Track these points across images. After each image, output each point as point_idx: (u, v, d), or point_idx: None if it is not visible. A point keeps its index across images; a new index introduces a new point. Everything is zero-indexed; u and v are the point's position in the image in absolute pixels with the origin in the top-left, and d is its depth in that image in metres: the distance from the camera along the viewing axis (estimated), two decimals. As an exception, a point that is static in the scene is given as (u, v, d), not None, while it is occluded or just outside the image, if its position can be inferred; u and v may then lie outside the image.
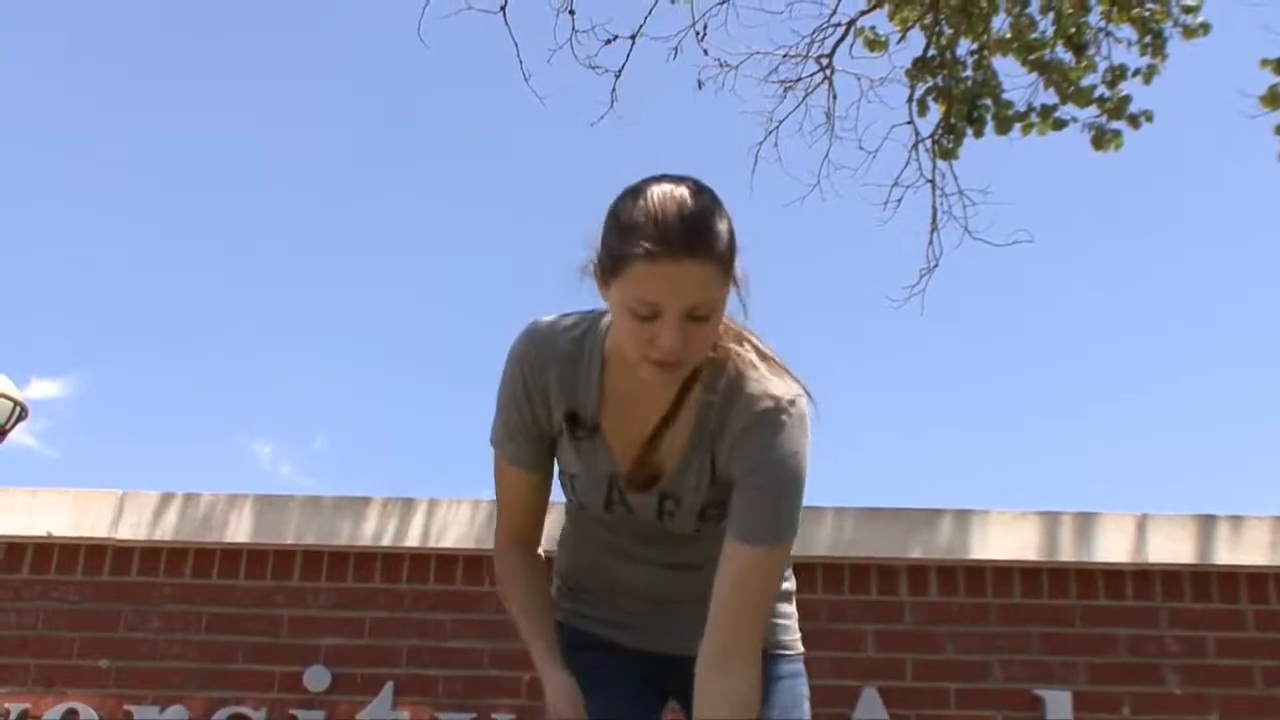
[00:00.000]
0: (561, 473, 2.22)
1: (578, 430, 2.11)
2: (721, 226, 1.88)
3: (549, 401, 2.12)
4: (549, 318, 2.14)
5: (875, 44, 8.33)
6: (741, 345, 2.07)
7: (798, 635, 2.40)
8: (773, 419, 2.02)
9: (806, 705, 2.36)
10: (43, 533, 4.62)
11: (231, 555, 4.64)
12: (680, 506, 2.13)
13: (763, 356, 2.08)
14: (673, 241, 1.82)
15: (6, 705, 4.44)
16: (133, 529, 4.62)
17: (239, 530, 4.62)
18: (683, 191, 1.87)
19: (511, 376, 2.13)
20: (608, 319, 2.08)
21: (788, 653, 2.36)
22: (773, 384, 2.04)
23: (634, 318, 1.88)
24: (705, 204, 1.88)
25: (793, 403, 2.03)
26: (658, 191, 1.87)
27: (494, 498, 2.31)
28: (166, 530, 4.62)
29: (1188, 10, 7.75)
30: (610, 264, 1.90)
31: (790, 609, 2.40)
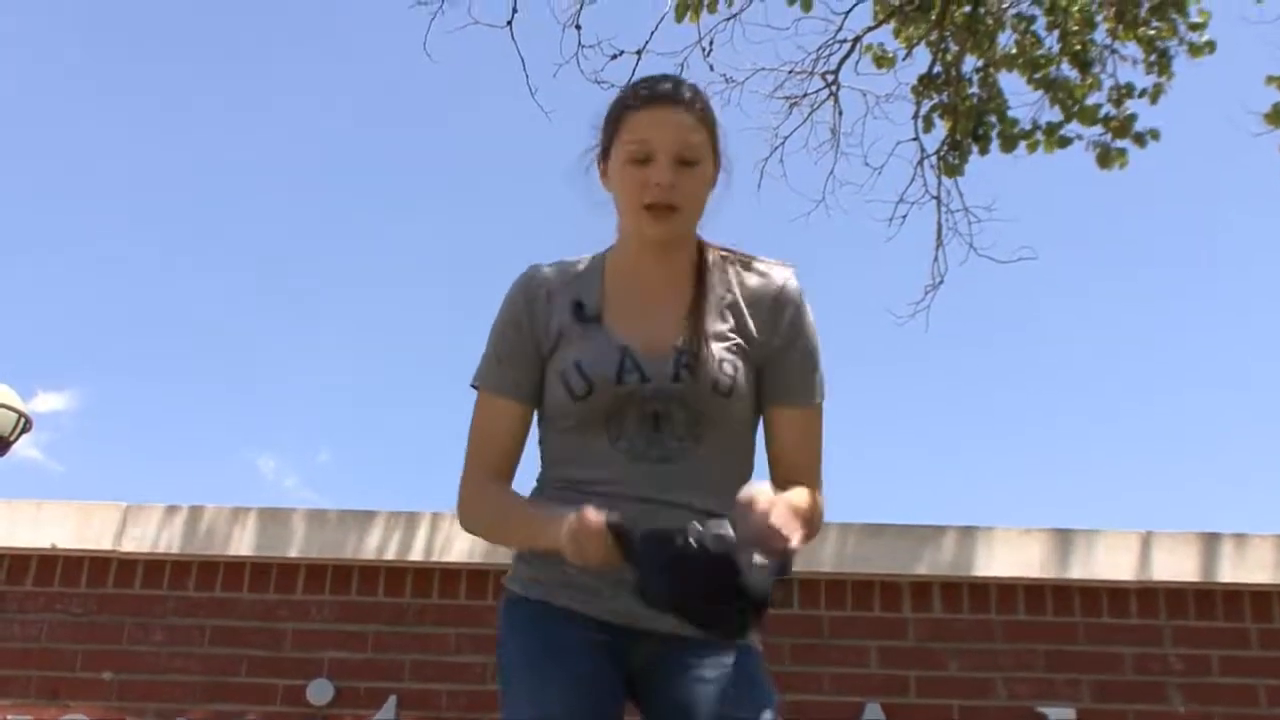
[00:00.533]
0: (560, 374, 2.22)
1: (584, 321, 2.24)
2: (700, 93, 2.22)
3: (549, 311, 2.26)
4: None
5: (883, 60, 8.33)
6: (729, 254, 2.32)
7: None
8: (790, 292, 2.27)
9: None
10: (47, 545, 4.62)
11: (235, 568, 4.65)
12: (697, 360, 2.19)
13: (750, 256, 2.33)
14: (657, 92, 2.19)
15: (10, 717, 4.44)
16: (137, 542, 4.63)
17: (242, 543, 4.63)
18: (663, 73, 2.28)
19: (510, 299, 2.30)
20: (607, 251, 2.33)
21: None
22: (774, 269, 2.31)
23: (631, 164, 2.17)
24: (683, 79, 2.25)
25: (793, 279, 2.30)
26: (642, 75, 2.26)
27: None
28: (170, 543, 4.63)
29: (1194, 28, 7.75)
30: (606, 136, 2.24)
31: None
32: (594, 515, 1.98)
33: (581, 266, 2.31)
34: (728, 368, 2.19)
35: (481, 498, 2.26)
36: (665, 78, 2.23)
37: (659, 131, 2.15)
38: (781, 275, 2.28)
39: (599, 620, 2.20)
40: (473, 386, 2.30)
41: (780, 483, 2.13)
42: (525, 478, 2.31)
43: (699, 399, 2.18)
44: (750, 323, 2.24)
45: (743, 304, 2.26)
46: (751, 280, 2.28)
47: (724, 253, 2.31)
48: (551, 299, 2.26)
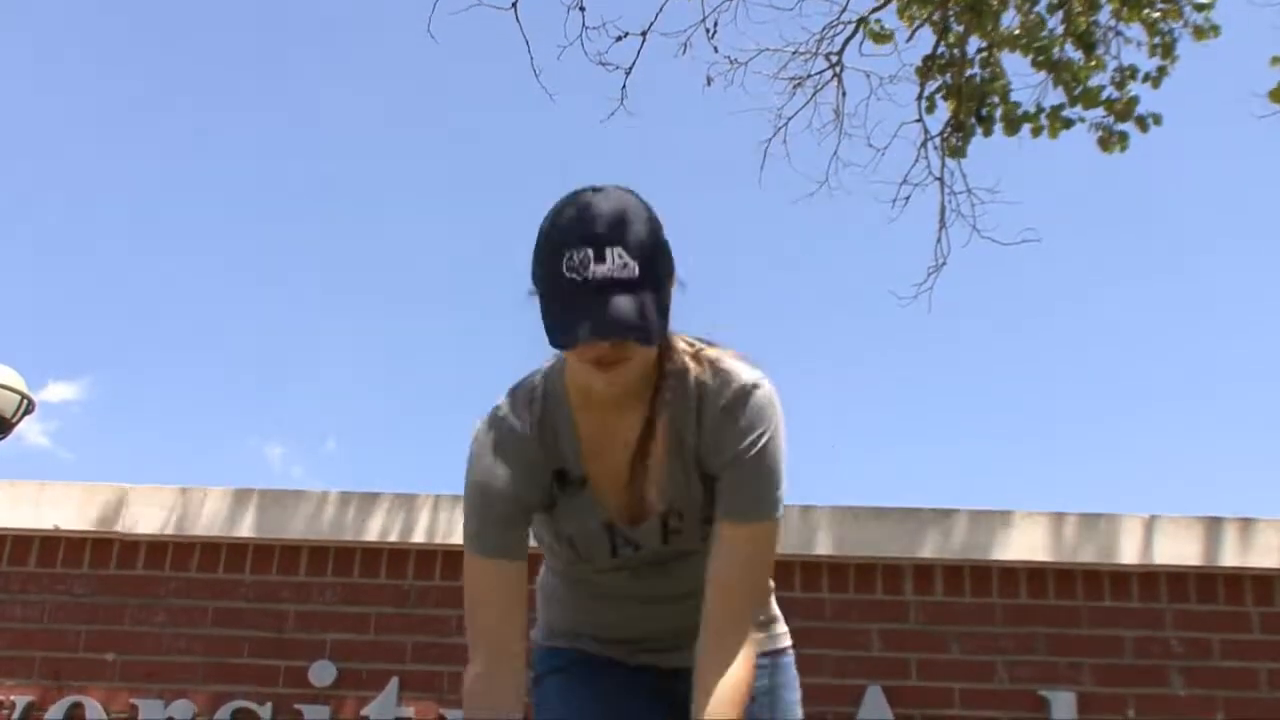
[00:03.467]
0: (556, 539, 2.19)
1: (567, 488, 2.11)
2: (629, 230, 1.91)
3: (524, 478, 2.09)
4: (503, 400, 2.15)
5: (880, 37, 8.31)
6: (695, 352, 2.11)
7: (784, 630, 2.43)
8: (743, 401, 2.06)
9: (798, 710, 2.40)
10: (50, 526, 4.62)
11: (237, 550, 4.65)
12: (684, 520, 2.13)
13: (718, 355, 2.11)
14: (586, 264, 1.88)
15: (13, 698, 4.45)
16: (139, 523, 4.63)
17: (245, 525, 4.63)
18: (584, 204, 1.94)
19: (480, 467, 2.10)
20: (556, 366, 2.12)
21: (777, 648, 2.39)
22: (735, 374, 2.08)
23: None
24: (607, 211, 1.92)
25: (757, 385, 2.07)
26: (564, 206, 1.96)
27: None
28: (173, 525, 4.63)
29: (1200, 9, 7.73)
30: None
31: (774, 610, 2.41)
32: None
33: (552, 415, 2.12)
34: (708, 506, 2.12)
35: (490, 685, 2.09)
36: (597, 210, 1.91)
37: None
38: (741, 384, 2.07)
39: (634, 665, 2.30)
40: (466, 548, 2.15)
41: (712, 607, 2.03)
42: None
43: (692, 542, 2.17)
44: (705, 445, 2.09)
45: (699, 416, 2.09)
46: (711, 390, 2.08)
47: (690, 352, 2.11)
48: (530, 467, 2.10)
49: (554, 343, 1.88)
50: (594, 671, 2.30)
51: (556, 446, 2.10)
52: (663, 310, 1.93)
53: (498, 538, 2.09)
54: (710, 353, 2.11)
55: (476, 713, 2.02)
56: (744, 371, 2.09)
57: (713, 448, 2.08)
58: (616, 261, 1.85)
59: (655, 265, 1.91)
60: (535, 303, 1.95)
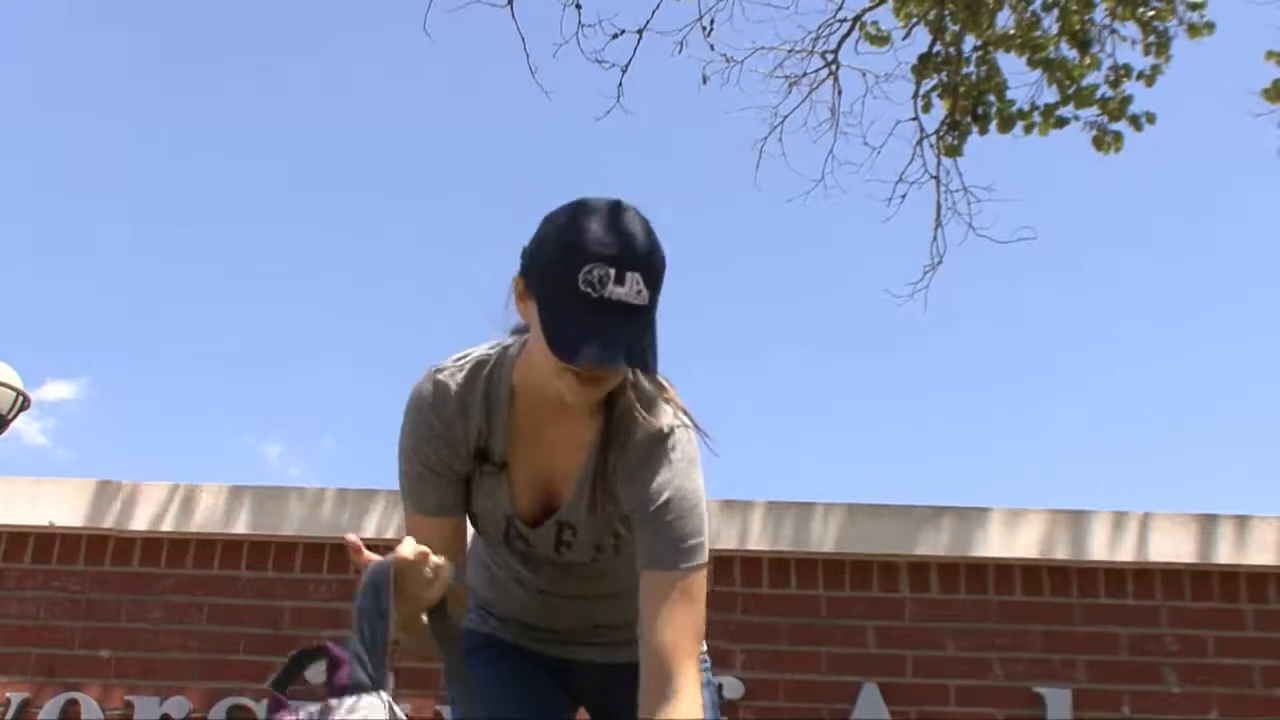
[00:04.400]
0: (471, 517, 2.22)
1: (485, 466, 2.13)
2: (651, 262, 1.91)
3: (455, 444, 2.11)
4: (450, 361, 2.15)
5: (877, 39, 8.32)
6: (629, 387, 2.08)
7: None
8: (657, 454, 2.04)
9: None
10: (45, 523, 4.62)
11: (233, 547, 4.65)
12: (577, 536, 2.15)
13: (647, 394, 2.09)
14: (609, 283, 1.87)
15: (8, 694, 4.45)
16: (134, 520, 4.62)
17: (241, 522, 4.62)
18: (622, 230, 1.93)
19: (416, 425, 2.12)
20: (513, 350, 2.12)
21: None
22: (652, 422, 2.06)
23: None
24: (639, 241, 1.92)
25: (672, 432, 2.06)
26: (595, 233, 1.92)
27: None
28: (168, 521, 4.62)
29: (1193, 7, 7.74)
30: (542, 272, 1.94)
31: None
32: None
33: (491, 396, 2.12)
34: (608, 540, 2.14)
35: None
36: (628, 228, 1.91)
37: None
38: (646, 442, 2.06)
39: (546, 655, 2.36)
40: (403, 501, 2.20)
41: (647, 657, 1.99)
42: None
43: (582, 561, 2.20)
44: (617, 486, 2.09)
45: (612, 466, 2.09)
46: (639, 437, 2.07)
47: (634, 394, 2.09)
48: (456, 435, 2.12)
49: (555, 352, 1.87)
50: (501, 655, 2.35)
51: (488, 425, 2.11)
52: (655, 343, 1.92)
53: (430, 495, 2.13)
54: (644, 399, 2.09)
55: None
56: (661, 419, 2.07)
57: (629, 494, 2.06)
58: (634, 287, 1.85)
59: (657, 295, 1.91)
60: (520, 296, 2.00)
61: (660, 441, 2.05)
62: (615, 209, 1.91)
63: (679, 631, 1.99)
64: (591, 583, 2.24)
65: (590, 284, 1.84)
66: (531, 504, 2.15)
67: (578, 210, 1.92)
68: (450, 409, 2.10)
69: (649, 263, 1.88)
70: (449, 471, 2.13)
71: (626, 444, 2.06)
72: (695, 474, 2.06)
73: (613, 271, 1.84)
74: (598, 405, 2.06)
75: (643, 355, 1.87)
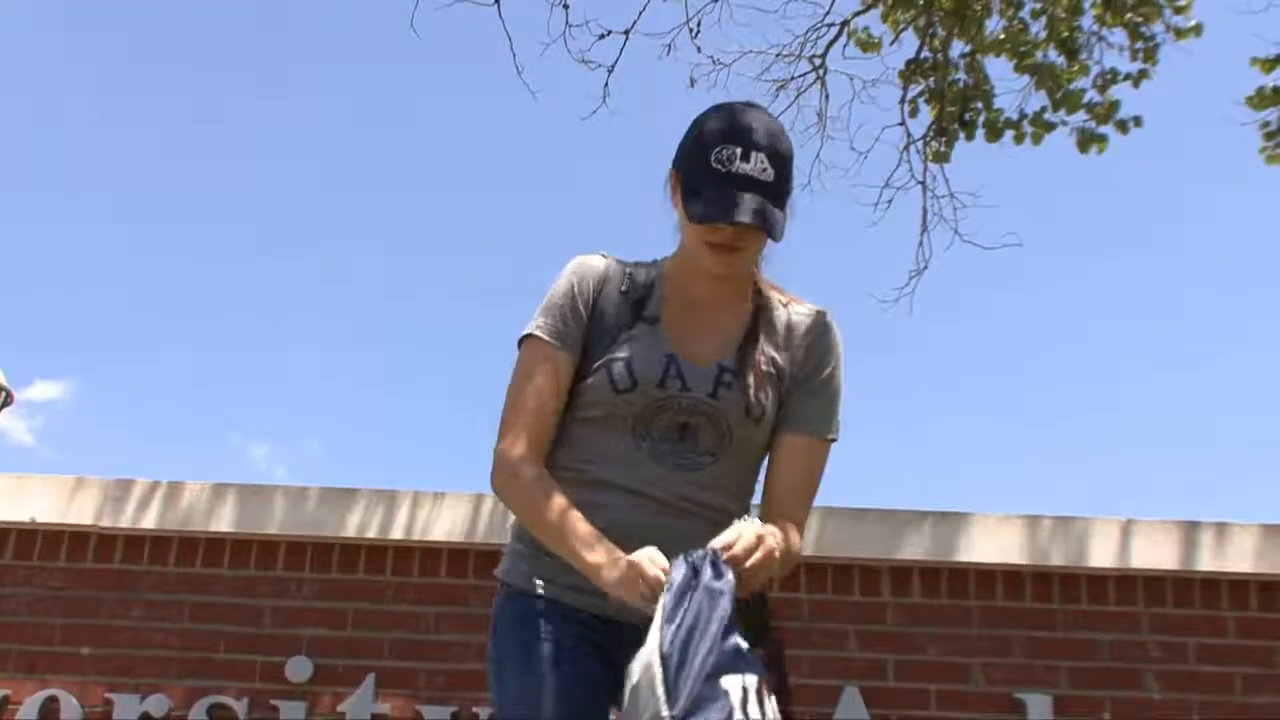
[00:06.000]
0: (606, 365, 2.30)
1: (639, 324, 2.33)
2: (779, 135, 2.24)
3: (602, 298, 2.36)
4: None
5: (868, 45, 8.33)
6: (776, 290, 2.43)
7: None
8: (825, 328, 2.40)
9: None
10: (27, 519, 4.60)
11: (215, 545, 4.63)
12: (738, 380, 2.29)
13: (792, 296, 2.44)
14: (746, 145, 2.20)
15: (-13, 691, 4.43)
16: (117, 517, 4.61)
17: (223, 520, 4.61)
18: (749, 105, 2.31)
19: (568, 276, 2.38)
20: (667, 258, 2.42)
21: None
22: (808, 305, 2.42)
23: None
24: (766, 118, 2.28)
25: (830, 317, 2.41)
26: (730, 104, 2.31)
27: (489, 487, 2.35)
28: (151, 519, 4.61)
29: (1179, 10, 7.76)
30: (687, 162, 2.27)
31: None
32: (652, 571, 2.02)
33: (641, 268, 2.41)
34: (763, 396, 2.29)
35: (521, 483, 2.28)
36: (751, 120, 2.23)
37: None
38: (821, 315, 2.40)
39: (598, 616, 2.25)
40: (524, 337, 2.36)
41: (771, 511, 2.29)
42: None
43: (730, 418, 2.28)
44: (788, 355, 2.36)
45: (784, 337, 2.37)
46: (795, 316, 2.39)
47: (774, 288, 2.42)
48: (604, 288, 2.37)
49: (692, 216, 2.19)
50: (556, 648, 2.24)
51: (639, 290, 2.37)
52: (785, 218, 2.22)
53: (562, 325, 2.34)
54: (788, 293, 2.43)
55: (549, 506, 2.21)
56: (820, 309, 2.41)
57: (798, 365, 2.35)
58: (758, 164, 2.18)
59: (786, 179, 2.22)
60: (674, 186, 2.31)
61: (825, 320, 2.41)
62: (744, 106, 2.27)
63: (807, 492, 2.35)
64: (705, 491, 2.28)
65: (720, 161, 2.18)
66: (693, 352, 2.32)
67: (713, 109, 2.28)
68: (611, 274, 2.39)
69: (773, 146, 2.20)
70: (581, 322, 2.34)
71: (776, 322, 2.37)
72: (844, 361, 2.41)
73: (739, 150, 2.18)
74: (744, 294, 2.38)
75: (772, 223, 2.17)
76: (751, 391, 2.28)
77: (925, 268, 8.27)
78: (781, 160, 2.20)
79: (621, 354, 2.29)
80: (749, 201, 2.15)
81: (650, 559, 2.04)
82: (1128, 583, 4.55)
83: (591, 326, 2.34)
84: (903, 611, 4.52)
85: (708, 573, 1.94)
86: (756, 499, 2.42)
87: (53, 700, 4.42)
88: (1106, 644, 4.48)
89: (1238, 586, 4.54)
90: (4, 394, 8.86)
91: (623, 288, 2.36)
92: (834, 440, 2.37)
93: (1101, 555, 4.53)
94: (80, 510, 4.62)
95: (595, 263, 2.40)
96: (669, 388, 2.26)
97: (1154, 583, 4.55)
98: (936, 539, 4.55)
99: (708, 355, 2.31)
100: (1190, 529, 4.57)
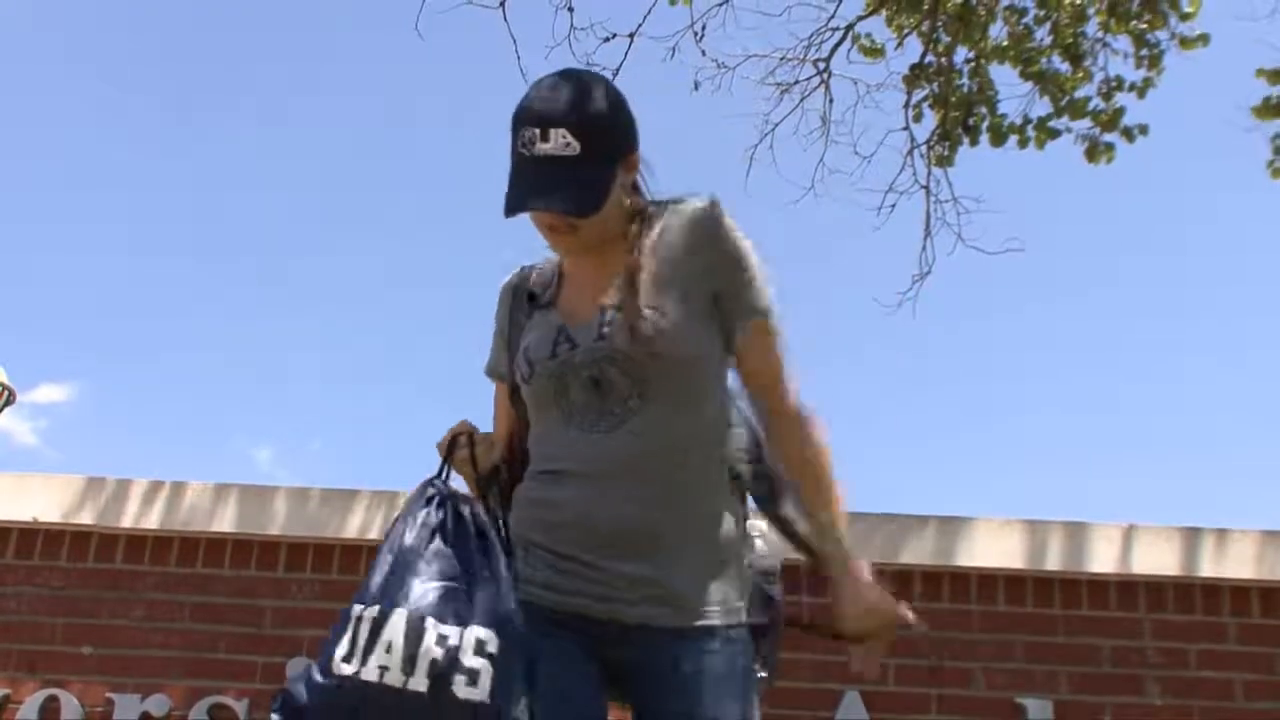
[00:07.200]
0: (516, 363, 2.33)
1: (536, 311, 2.33)
2: (570, 102, 2.16)
3: (514, 305, 2.39)
4: None
5: (872, 51, 8.33)
6: (660, 203, 2.32)
7: (739, 602, 2.31)
8: (711, 214, 2.24)
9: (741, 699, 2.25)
10: (29, 518, 4.61)
11: (216, 545, 4.64)
12: (615, 317, 2.20)
13: (662, 203, 2.33)
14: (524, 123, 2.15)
15: (-12, 690, 4.44)
16: (119, 517, 4.61)
17: (224, 520, 4.61)
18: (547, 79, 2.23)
19: (499, 297, 2.45)
20: None
21: (721, 623, 2.24)
22: (694, 200, 2.28)
23: None
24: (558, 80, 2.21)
25: (716, 202, 2.26)
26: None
27: None
28: (152, 519, 4.61)
29: (1185, 18, 7.75)
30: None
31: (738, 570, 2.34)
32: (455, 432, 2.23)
33: (543, 265, 2.41)
34: (653, 314, 2.17)
35: None
36: (551, 92, 2.18)
37: None
38: (698, 203, 2.26)
39: (579, 615, 2.18)
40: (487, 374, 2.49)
41: (754, 400, 2.30)
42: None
43: (626, 350, 2.18)
44: (670, 254, 2.23)
45: (663, 241, 2.25)
46: (674, 218, 2.26)
47: (654, 206, 2.31)
48: (517, 294, 2.40)
49: (505, 211, 2.13)
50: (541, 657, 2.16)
51: (538, 277, 2.39)
52: (604, 184, 2.15)
53: (495, 355, 2.45)
54: (671, 199, 2.31)
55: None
56: (699, 198, 2.27)
57: (691, 260, 2.22)
58: (559, 141, 2.10)
59: (602, 142, 2.14)
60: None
61: (705, 207, 2.25)
62: (552, 78, 2.19)
63: (774, 370, 2.27)
64: (646, 438, 2.17)
65: (524, 145, 2.12)
66: (579, 315, 2.28)
67: (528, 88, 2.19)
68: (519, 283, 2.41)
69: (575, 115, 2.12)
70: (504, 345, 2.40)
71: (655, 234, 2.26)
72: (739, 232, 2.26)
73: (537, 131, 2.11)
74: (622, 246, 2.26)
75: (570, 198, 2.12)
76: (634, 315, 2.17)
77: (928, 272, 8.27)
78: (590, 127, 2.13)
79: (522, 346, 2.31)
80: (548, 184, 2.11)
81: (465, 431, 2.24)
82: (1129, 588, 4.55)
83: (512, 339, 2.37)
84: (904, 616, 4.51)
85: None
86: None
87: (53, 700, 4.43)
88: (1107, 649, 4.47)
89: (1239, 592, 4.54)
90: (6, 393, 8.85)
91: (525, 290, 2.38)
92: (766, 312, 2.25)
93: (1103, 561, 4.52)
94: (82, 510, 4.62)
95: (508, 282, 2.44)
96: (560, 354, 2.22)
97: (1155, 588, 4.54)
98: (938, 543, 4.55)
99: (591, 310, 2.24)
100: (1191, 535, 4.57)
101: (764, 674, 2.38)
